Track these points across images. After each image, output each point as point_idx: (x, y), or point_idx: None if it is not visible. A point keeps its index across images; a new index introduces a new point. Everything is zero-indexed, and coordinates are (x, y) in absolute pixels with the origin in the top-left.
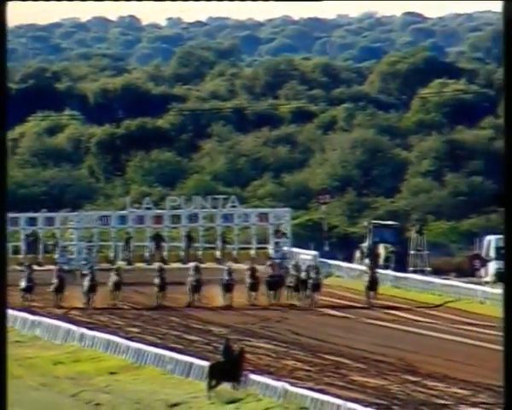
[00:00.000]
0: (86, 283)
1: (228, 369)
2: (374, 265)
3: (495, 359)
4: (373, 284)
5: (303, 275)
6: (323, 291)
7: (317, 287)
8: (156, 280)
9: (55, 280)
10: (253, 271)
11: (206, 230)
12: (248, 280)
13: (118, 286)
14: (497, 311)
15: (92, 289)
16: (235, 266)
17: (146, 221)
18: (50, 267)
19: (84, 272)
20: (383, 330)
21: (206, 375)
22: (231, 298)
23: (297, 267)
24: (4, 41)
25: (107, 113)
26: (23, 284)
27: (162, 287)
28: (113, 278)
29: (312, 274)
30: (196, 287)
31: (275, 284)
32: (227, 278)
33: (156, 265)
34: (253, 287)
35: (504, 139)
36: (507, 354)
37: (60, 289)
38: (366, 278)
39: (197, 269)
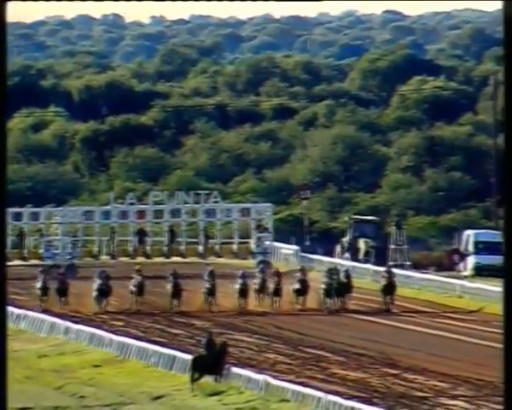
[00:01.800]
0: (96, 287)
1: (210, 362)
2: (389, 269)
3: (474, 352)
4: (390, 289)
5: (335, 279)
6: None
7: (348, 290)
8: (169, 286)
9: (55, 283)
10: (278, 275)
11: (189, 225)
12: (271, 285)
13: (141, 290)
14: (476, 305)
15: (104, 294)
16: (218, 260)
17: (129, 216)
18: (35, 262)
19: (95, 278)
20: (364, 324)
21: (189, 368)
22: (246, 303)
23: (330, 273)
24: (4, 41)
25: (92, 109)
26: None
27: (176, 293)
28: (136, 280)
29: (343, 278)
30: (211, 291)
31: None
32: (241, 282)
33: (169, 271)
34: (277, 292)
35: (504, 139)
36: (507, 354)
37: (62, 292)
38: (383, 281)
39: (212, 274)
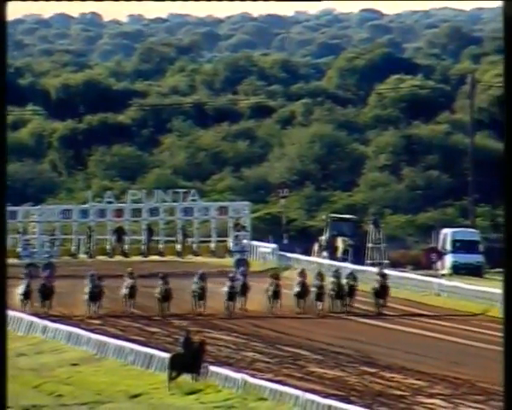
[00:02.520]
0: (88, 290)
1: (188, 361)
2: (382, 271)
3: (452, 350)
4: (382, 292)
5: (344, 282)
6: (283, 284)
7: (351, 293)
8: (158, 290)
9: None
10: (277, 278)
11: (167, 223)
12: (271, 288)
13: (132, 292)
14: (453, 303)
15: (95, 297)
16: (196, 259)
17: (107, 215)
18: (13, 261)
19: (87, 281)
20: (340, 321)
21: (167, 367)
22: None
23: (337, 274)
24: (4, 41)
25: (69, 108)
26: (21, 290)
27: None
28: (128, 282)
29: (351, 281)
30: (202, 295)
31: (305, 293)
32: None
33: (160, 273)
34: (276, 295)
35: (504, 139)
36: (507, 355)
37: (46, 296)
38: (375, 284)
39: (202, 277)
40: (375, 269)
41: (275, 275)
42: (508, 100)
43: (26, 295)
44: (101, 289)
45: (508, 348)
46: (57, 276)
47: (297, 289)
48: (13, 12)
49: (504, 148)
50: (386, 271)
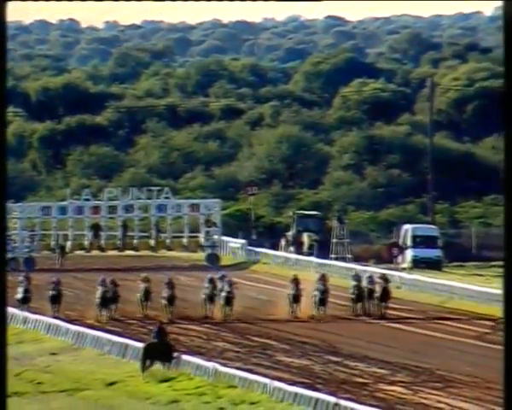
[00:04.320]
0: (99, 295)
1: (161, 350)
2: (384, 274)
3: (412, 340)
4: (384, 295)
5: (365, 284)
6: (252, 277)
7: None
8: (164, 293)
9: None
10: (297, 282)
11: (142, 219)
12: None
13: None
14: (414, 295)
15: (107, 302)
16: (169, 253)
17: (85, 211)
18: None
19: (99, 286)
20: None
21: (141, 356)
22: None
23: (358, 277)
24: (4, 41)
25: (49, 110)
26: (19, 295)
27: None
28: (143, 286)
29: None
30: (211, 298)
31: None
32: (228, 289)
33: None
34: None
35: (504, 139)
36: (507, 355)
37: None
38: (378, 288)
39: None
40: (339, 263)
41: (295, 279)
42: (508, 100)
43: (25, 300)
44: (115, 294)
45: (508, 348)
46: (37, 269)
47: (317, 294)
48: None
49: (504, 147)
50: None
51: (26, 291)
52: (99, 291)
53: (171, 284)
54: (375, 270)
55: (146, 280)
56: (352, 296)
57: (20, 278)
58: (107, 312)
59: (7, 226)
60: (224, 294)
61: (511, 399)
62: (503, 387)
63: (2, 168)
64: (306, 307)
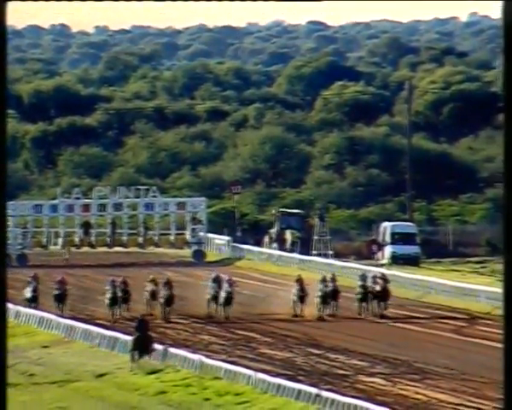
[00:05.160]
0: (109, 295)
1: (142, 342)
2: (383, 274)
3: (391, 333)
4: (384, 295)
5: (369, 284)
6: (237, 272)
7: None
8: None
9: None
10: (301, 282)
11: (130, 217)
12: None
13: (154, 296)
14: (393, 290)
15: (115, 302)
16: (157, 250)
17: (75, 210)
18: None
19: (107, 287)
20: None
21: (129, 348)
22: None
23: (363, 278)
24: (4, 41)
25: (41, 112)
26: (28, 294)
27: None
28: (149, 287)
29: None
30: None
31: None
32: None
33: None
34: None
35: (504, 139)
36: (507, 354)
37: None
38: (377, 287)
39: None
40: (320, 259)
41: (299, 279)
42: (508, 100)
43: (33, 299)
44: (125, 294)
45: (508, 348)
46: (30, 265)
47: (327, 291)
48: None
49: (504, 146)
50: (387, 273)
51: (35, 290)
52: (109, 292)
53: (169, 285)
54: (355, 266)
55: (153, 282)
56: (358, 296)
57: (29, 279)
58: (116, 311)
59: (6, 224)
60: (223, 294)
61: (511, 399)
62: (503, 387)
63: (2, 168)
64: (286, 305)
